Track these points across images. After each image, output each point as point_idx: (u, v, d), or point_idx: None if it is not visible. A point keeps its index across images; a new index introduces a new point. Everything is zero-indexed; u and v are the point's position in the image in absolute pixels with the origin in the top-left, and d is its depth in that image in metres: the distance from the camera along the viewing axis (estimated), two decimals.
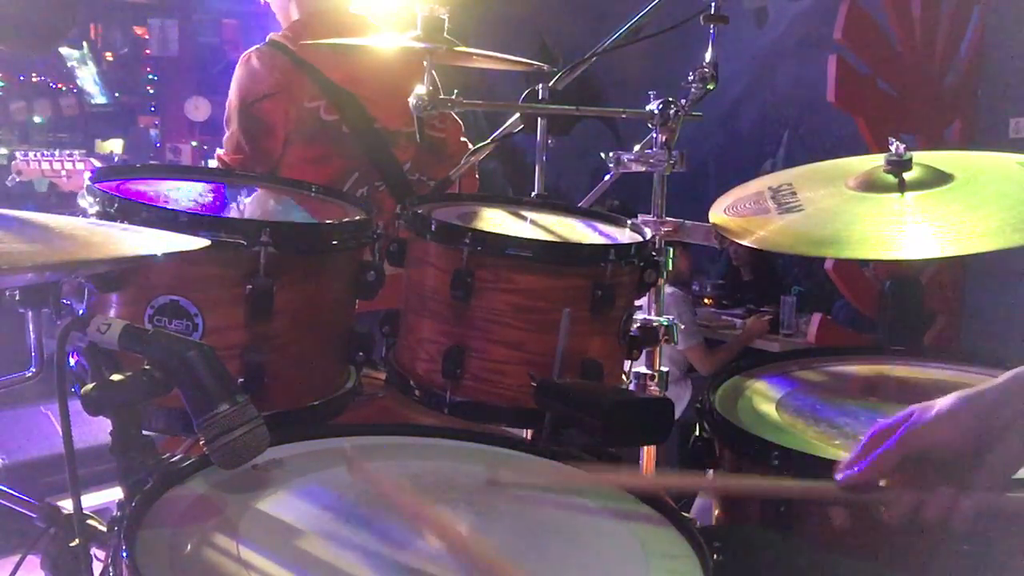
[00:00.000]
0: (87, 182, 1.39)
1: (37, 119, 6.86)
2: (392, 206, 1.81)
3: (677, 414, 1.39)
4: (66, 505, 1.11)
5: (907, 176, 1.52)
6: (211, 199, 1.61)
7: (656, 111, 1.71)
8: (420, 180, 2.46)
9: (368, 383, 1.63)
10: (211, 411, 0.97)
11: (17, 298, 1.25)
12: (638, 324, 1.65)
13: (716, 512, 1.45)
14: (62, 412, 1.00)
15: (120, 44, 7.53)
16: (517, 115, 2.00)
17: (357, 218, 1.56)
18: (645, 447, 1.70)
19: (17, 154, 3.70)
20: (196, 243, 1.05)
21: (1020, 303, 4.37)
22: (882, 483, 1.00)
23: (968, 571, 1.09)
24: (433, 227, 1.47)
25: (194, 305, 1.31)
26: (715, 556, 0.98)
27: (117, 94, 7.47)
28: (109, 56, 7.46)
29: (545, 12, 6.75)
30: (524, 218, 1.72)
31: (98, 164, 3.62)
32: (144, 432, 1.03)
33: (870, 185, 1.54)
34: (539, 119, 1.94)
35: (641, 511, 1.10)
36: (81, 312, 1.35)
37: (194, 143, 7.40)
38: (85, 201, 1.36)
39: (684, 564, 0.98)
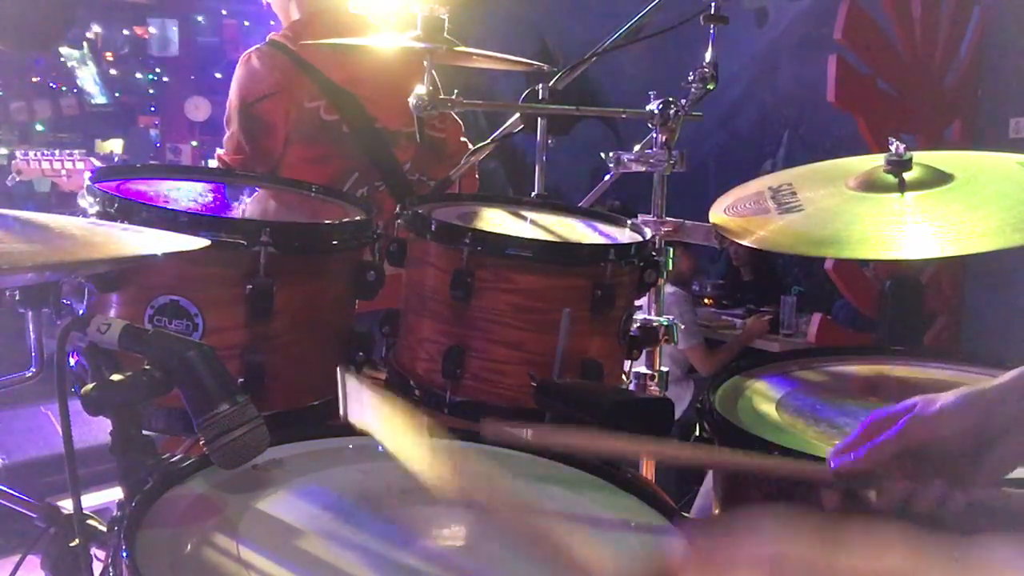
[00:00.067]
0: (87, 182, 1.39)
1: (39, 127, 6.87)
2: (392, 206, 1.81)
3: (678, 414, 1.39)
4: (66, 505, 1.11)
5: (907, 176, 1.52)
6: (211, 199, 1.61)
7: (656, 111, 1.71)
8: (420, 180, 2.46)
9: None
10: (211, 411, 0.97)
11: (17, 298, 1.25)
12: (638, 324, 1.65)
13: (716, 512, 1.45)
14: (62, 412, 1.00)
15: (120, 44, 7.54)
16: (517, 115, 2.00)
17: (357, 218, 1.56)
18: None
19: (17, 153, 3.71)
20: (196, 243, 1.05)
21: (1020, 303, 4.37)
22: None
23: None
24: (433, 227, 1.47)
25: (194, 305, 1.31)
26: None
27: (117, 94, 7.47)
28: (109, 56, 7.47)
29: (546, 12, 6.76)
30: (524, 218, 1.72)
31: (98, 164, 3.62)
32: (144, 432, 1.03)
33: (870, 185, 1.54)
34: (539, 119, 1.94)
35: (642, 512, 1.10)
36: (81, 312, 1.35)
37: (194, 143, 7.41)
38: (85, 201, 1.36)
39: None
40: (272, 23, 3.19)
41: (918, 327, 4.39)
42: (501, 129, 2.07)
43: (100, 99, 7.35)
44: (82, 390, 0.96)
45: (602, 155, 1.86)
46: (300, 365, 1.41)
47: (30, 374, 1.31)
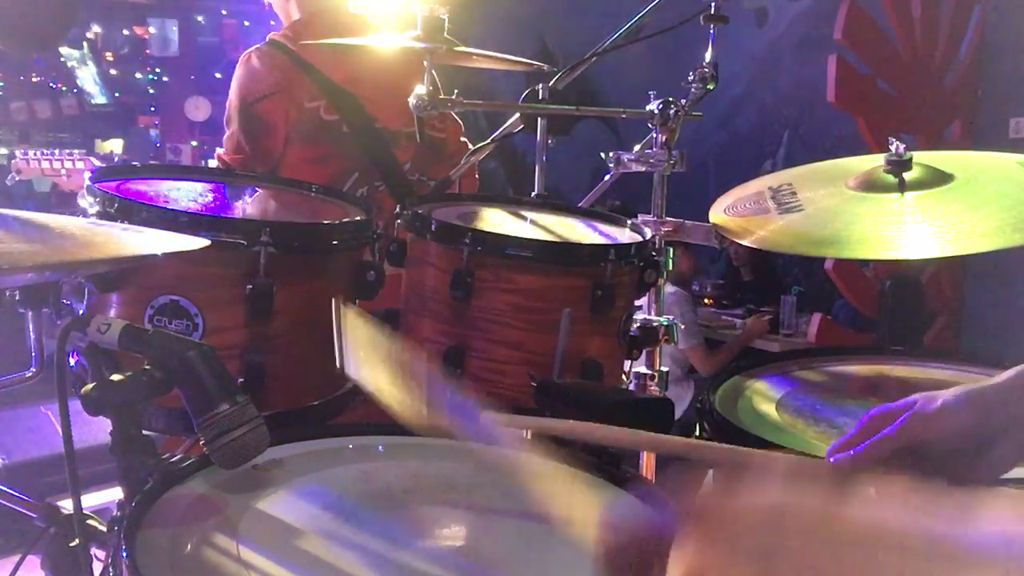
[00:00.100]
0: (87, 182, 1.39)
1: (39, 130, 6.87)
2: (392, 206, 1.81)
3: (678, 414, 1.39)
4: (66, 505, 1.11)
5: (907, 176, 1.52)
6: (211, 199, 1.61)
7: (656, 111, 1.71)
8: (420, 180, 2.46)
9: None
10: (211, 411, 0.97)
11: (17, 298, 1.25)
12: (638, 324, 1.65)
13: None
14: (62, 412, 1.00)
15: (120, 44, 7.55)
16: (517, 115, 2.00)
17: (357, 218, 1.56)
18: None
19: (17, 153, 3.71)
20: (196, 243, 1.05)
21: (1020, 303, 4.38)
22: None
23: None
24: (433, 227, 1.47)
25: (194, 305, 1.31)
26: None
27: (117, 94, 7.48)
28: (109, 56, 7.47)
29: (546, 12, 6.76)
30: (524, 218, 1.72)
31: (98, 163, 3.62)
32: (144, 432, 1.03)
33: (870, 185, 1.54)
34: (539, 119, 1.94)
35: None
36: (81, 312, 1.35)
37: (194, 143, 7.41)
38: (85, 201, 1.36)
39: None
40: (272, 23, 3.19)
41: (918, 327, 4.40)
42: (501, 129, 2.07)
43: (100, 99, 7.35)
44: (82, 390, 0.96)
45: (602, 155, 1.86)
46: (300, 365, 1.41)
47: (30, 374, 1.31)
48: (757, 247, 1.53)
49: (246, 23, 7.59)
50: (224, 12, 7.66)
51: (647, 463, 1.72)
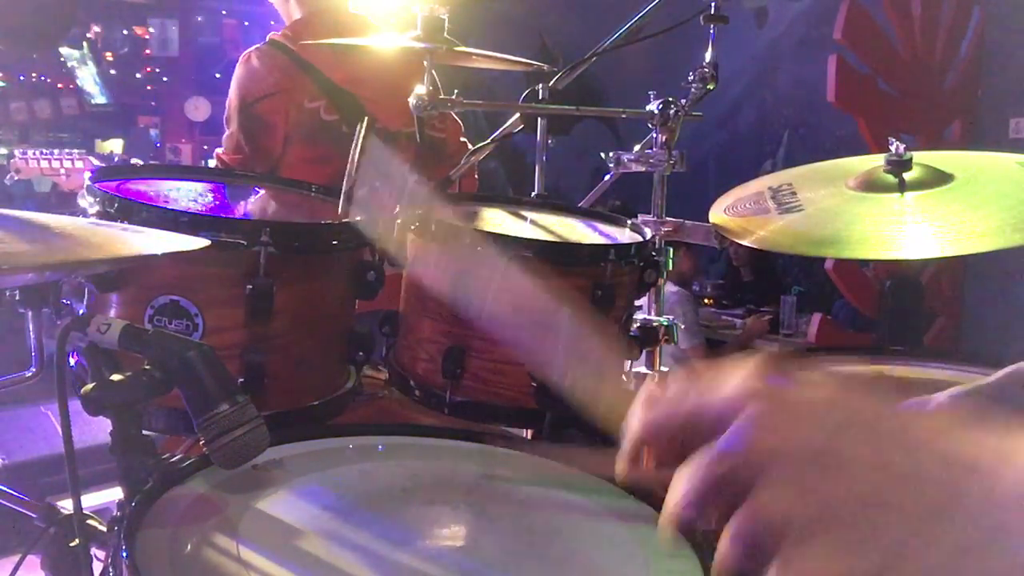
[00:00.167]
0: (87, 182, 1.39)
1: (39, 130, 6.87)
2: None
3: None
4: (66, 505, 1.11)
5: (907, 176, 1.52)
6: (211, 199, 1.61)
7: (656, 111, 1.71)
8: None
9: (368, 383, 1.63)
10: (211, 411, 0.97)
11: (17, 298, 1.25)
12: (638, 324, 1.65)
13: None
14: (62, 412, 1.00)
15: (120, 44, 7.54)
16: (517, 115, 2.00)
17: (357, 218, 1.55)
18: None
19: (16, 152, 3.71)
20: (196, 243, 1.05)
21: (1020, 303, 4.37)
22: None
23: None
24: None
25: (194, 305, 1.31)
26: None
27: (117, 94, 7.47)
28: (109, 56, 7.46)
29: (545, 12, 6.76)
30: (524, 218, 1.72)
31: (97, 163, 3.62)
32: (144, 432, 1.03)
33: (870, 185, 1.54)
34: (539, 119, 1.94)
35: (642, 512, 1.10)
36: (81, 312, 1.35)
37: (194, 143, 7.40)
38: (85, 201, 1.36)
39: (684, 563, 0.97)
40: (272, 23, 3.19)
41: (918, 327, 4.40)
42: (501, 129, 2.07)
43: (100, 99, 7.34)
44: (82, 390, 0.96)
45: (602, 155, 1.86)
46: (300, 365, 1.41)
47: (30, 374, 1.31)
48: (757, 247, 1.53)
49: (246, 23, 7.58)
50: (224, 12, 7.65)
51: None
